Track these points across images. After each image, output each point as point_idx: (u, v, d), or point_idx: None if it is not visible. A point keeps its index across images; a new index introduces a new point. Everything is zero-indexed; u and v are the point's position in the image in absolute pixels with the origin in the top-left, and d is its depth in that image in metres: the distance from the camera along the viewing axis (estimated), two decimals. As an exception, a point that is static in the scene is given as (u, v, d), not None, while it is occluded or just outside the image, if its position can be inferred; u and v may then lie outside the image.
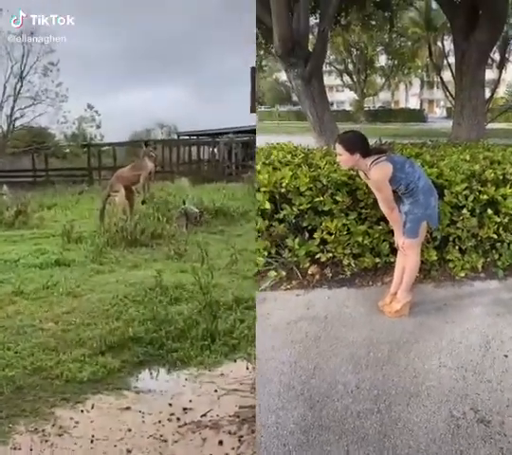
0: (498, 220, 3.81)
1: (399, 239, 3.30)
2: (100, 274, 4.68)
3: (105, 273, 4.71)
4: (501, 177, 3.85)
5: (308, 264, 3.79)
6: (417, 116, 24.98)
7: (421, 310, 3.38)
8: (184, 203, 6.73)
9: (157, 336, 3.29)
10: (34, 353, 3.09)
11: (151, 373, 2.97)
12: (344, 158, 3.12)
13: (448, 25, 9.07)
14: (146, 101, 10.02)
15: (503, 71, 15.50)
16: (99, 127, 8.97)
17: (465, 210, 3.74)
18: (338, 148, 3.12)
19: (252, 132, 9.14)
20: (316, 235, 3.70)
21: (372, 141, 4.37)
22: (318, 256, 3.73)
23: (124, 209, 6.44)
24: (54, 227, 6.54)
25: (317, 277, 3.82)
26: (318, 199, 3.64)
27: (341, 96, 25.88)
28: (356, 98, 23.20)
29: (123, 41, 9.35)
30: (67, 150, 9.55)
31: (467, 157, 4.14)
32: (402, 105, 27.98)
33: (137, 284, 4.21)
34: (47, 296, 4.06)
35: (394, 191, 3.17)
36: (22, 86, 8.44)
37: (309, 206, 3.65)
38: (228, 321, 3.43)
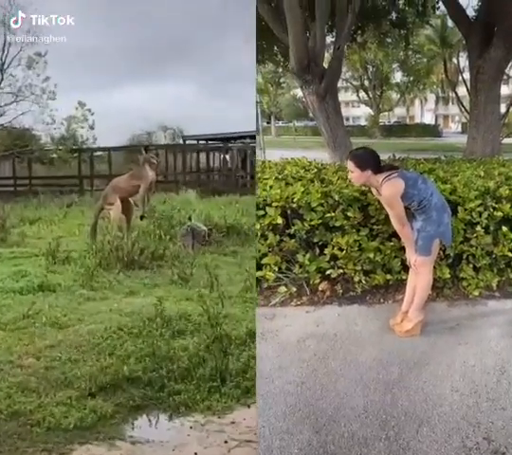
0: (513, 238, 3.72)
1: (411, 256, 3.24)
2: (91, 301, 4.18)
3: (97, 300, 4.21)
4: (516, 194, 3.78)
5: (319, 281, 3.75)
6: (432, 131, 24.94)
7: (433, 330, 3.29)
8: (190, 219, 6.01)
9: (157, 376, 2.86)
10: (11, 394, 2.69)
11: (149, 420, 2.59)
12: (355, 175, 3.11)
13: (464, 42, 9.06)
14: (146, 100, 8.68)
15: (519, 87, 15.39)
16: (92, 128, 7.66)
17: (479, 228, 3.66)
18: (350, 165, 3.11)
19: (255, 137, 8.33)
20: (327, 251, 3.66)
21: (386, 156, 4.35)
22: (328, 272, 3.69)
23: (120, 224, 5.77)
24: (37, 245, 5.78)
25: (327, 293, 3.78)
26: (329, 215, 3.61)
27: (357, 111, 26.02)
28: (372, 113, 23.30)
29: (122, 37, 8.27)
30: (54, 155, 8.10)
31: (482, 173, 4.08)
32: (417, 120, 27.94)
33: (135, 314, 3.75)
34: (28, 326, 3.59)
35: (407, 208, 3.13)
36: (2, 80, 7.13)
37: (320, 221, 3.62)
38: (240, 359, 3.00)
